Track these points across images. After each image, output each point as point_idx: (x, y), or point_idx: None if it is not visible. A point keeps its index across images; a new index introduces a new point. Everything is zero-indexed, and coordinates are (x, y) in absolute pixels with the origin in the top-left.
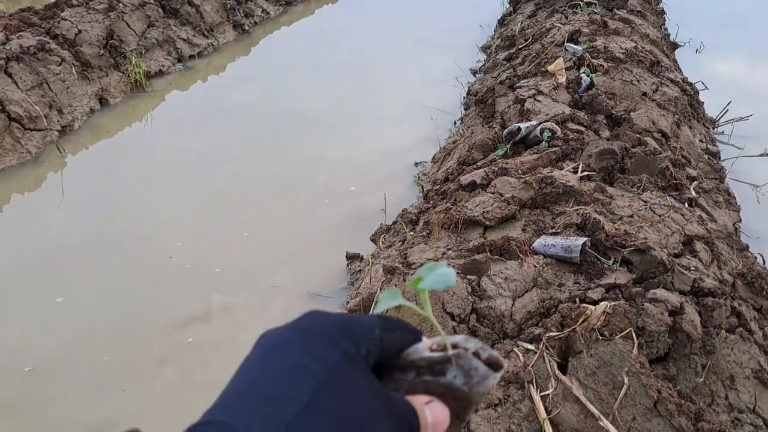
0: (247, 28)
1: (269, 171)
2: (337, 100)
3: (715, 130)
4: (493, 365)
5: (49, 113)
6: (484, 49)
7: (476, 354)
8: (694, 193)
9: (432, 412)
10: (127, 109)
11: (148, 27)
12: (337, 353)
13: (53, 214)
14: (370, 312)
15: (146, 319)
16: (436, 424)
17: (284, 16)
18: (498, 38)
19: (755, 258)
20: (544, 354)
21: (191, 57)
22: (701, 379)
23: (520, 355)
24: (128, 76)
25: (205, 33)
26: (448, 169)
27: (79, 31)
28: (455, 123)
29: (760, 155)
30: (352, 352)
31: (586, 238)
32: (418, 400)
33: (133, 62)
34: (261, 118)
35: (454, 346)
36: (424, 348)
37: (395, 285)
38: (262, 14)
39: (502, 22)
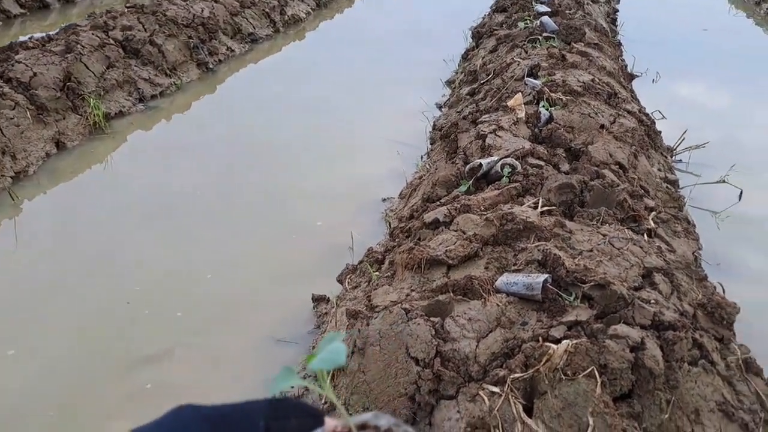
0: (211, 66)
1: (235, 209)
2: (304, 135)
3: (673, 158)
4: None
5: (2, 159)
6: (449, 83)
7: None
8: (652, 223)
9: None
10: (86, 152)
11: (108, 68)
12: None
13: (5, 264)
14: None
15: (101, 369)
16: None
17: (250, 54)
18: (461, 73)
19: (714, 287)
20: (509, 396)
21: (153, 97)
22: (666, 416)
23: (486, 398)
24: (87, 118)
25: (168, 72)
26: (413, 205)
27: (35, 73)
28: (422, 157)
29: (717, 182)
30: None
31: (547, 275)
32: None
33: (92, 104)
34: (227, 156)
35: (363, 427)
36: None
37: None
38: (227, 52)
39: (465, 57)
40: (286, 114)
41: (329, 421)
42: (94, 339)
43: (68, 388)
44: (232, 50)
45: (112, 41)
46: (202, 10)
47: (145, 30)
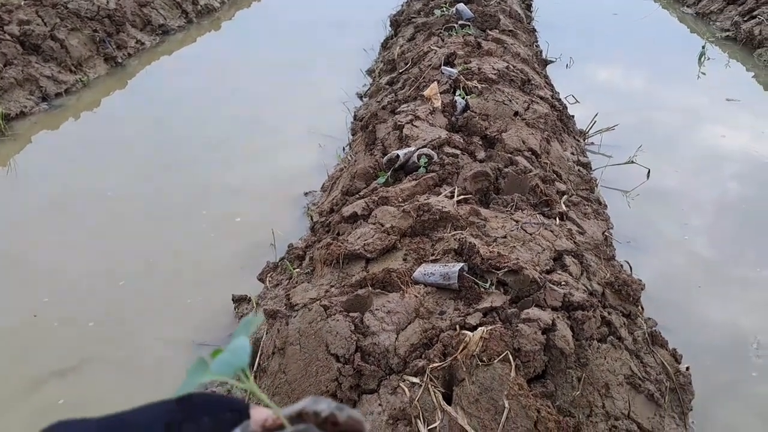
0: (120, 60)
1: (149, 209)
2: (222, 129)
3: (586, 141)
4: (355, 427)
5: None
6: (369, 72)
7: (331, 419)
8: (564, 207)
9: None
10: None
11: (5, 65)
12: None
13: None
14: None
15: (7, 388)
16: None
17: (163, 46)
18: (381, 62)
19: (621, 266)
20: (429, 386)
21: (58, 95)
22: (578, 392)
23: (407, 389)
24: None
25: (73, 68)
26: (333, 199)
27: None
28: (343, 149)
29: (626, 162)
30: None
31: (462, 264)
32: None
33: None
34: (140, 154)
35: (299, 416)
36: (256, 426)
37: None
38: (137, 45)
39: (385, 46)
40: (202, 108)
41: (257, 413)
42: None
43: None
44: (142, 43)
45: (8, 37)
46: (108, 2)
47: (45, 24)
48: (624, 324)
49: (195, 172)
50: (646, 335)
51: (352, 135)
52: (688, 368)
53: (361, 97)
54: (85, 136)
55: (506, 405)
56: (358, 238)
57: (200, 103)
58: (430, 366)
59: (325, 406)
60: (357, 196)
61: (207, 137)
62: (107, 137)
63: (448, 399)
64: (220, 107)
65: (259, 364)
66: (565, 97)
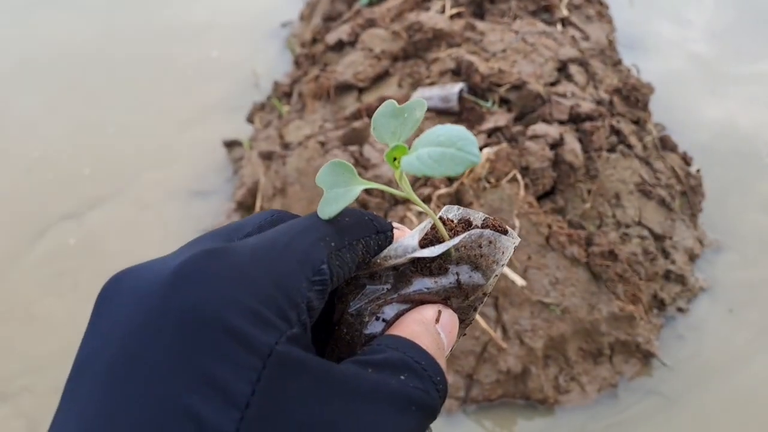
0: None
1: (121, 54)
2: None
3: None
4: (501, 229)
5: None
6: None
7: (486, 224)
8: (565, 11)
9: (444, 330)
10: None
11: None
12: (255, 367)
13: None
14: (316, 215)
15: (15, 234)
16: (449, 344)
17: None
18: None
19: (629, 70)
20: (435, 214)
21: None
22: (588, 204)
23: (414, 219)
24: None
25: None
26: (314, 27)
27: None
28: None
29: None
30: (280, 350)
31: (462, 84)
32: (417, 324)
33: None
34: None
35: (453, 230)
36: (404, 242)
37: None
38: None
39: None
40: None
41: (399, 233)
42: None
43: None
44: None
45: None
46: None
47: None
48: (633, 131)
49: (157, 10)
50: (656, 141)
51: None
52: (698, 170)
53: None
54: None
55: (517, 224)
56: (348, 67)
57: None
58: (437, 192)
59: (479, 215)
60: (340, 20)
61: None
62: None
63: None
64: None
65: (261, 207)
66: None
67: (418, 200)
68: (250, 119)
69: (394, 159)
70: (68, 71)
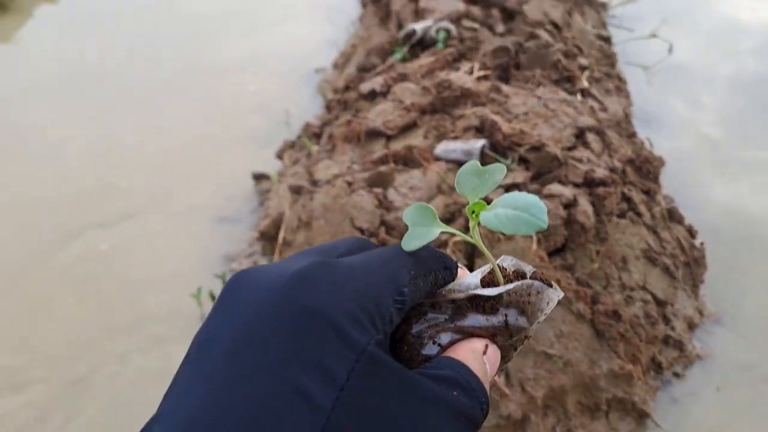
0: None
1: (157, 84)
2: (223, 3)
3: (608, 13)
4: (548, 282)
5: None
6: None
7: (535, 276)
8: (586, 83)
9: (489, 362)
10: None
11: None
12: (351, 359)
13: None
14: (400, 247)
15: (48, 238)
16: (491, 375)
17: None
18: None
19: (642, 143)
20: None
21: None
22: (596, 265)
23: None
24: None
25: None
26: (348, 76)
27: None
28: (354, 23)
29: (648, 37)
30: (371, 350)
31: (484, 140)
32: (469, 352)
33: None
34: (142, 29)
35: (507, 277)
36: (467, 280)
37: (336, 198)
38: None
39: None
40: None
41: (462, 274)
42: (32, 213)
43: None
44: None
45: None
46: None
47: None
48: (643, 200)
49: (197, 47)
50: (664, 211)
51: (363, 8)
52: (702, 243)
53: None
54: (85, 10)
55: None
56: (378, 115)
57: None
58: (453, 240)
59: (529, 267)
60: (374, 72)
61: (207, 12)
62: (109, 11)
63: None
64: None
65: (284, 239)
66: None
67: (484, 248)
68: (279, 155)
69: (473, 212)
70: (100, 95)
